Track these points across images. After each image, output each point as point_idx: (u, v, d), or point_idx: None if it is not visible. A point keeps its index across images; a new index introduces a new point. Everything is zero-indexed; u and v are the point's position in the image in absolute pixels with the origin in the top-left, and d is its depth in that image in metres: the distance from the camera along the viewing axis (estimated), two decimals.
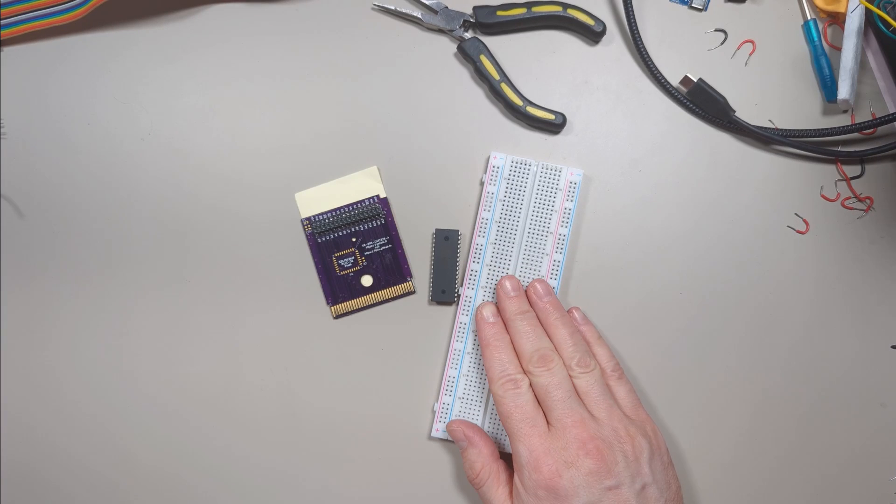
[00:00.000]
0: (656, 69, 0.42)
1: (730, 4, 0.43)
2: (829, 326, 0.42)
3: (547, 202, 0.41)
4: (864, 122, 0.41)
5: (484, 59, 0.42)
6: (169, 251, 0.42)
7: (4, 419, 0.42)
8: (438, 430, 0.41)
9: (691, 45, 0.43)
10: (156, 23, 0.43)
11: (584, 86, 0.43)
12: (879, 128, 0.42)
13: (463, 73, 0.43)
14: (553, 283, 0.41)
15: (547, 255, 0.41)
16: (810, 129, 0.42)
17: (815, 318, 0.42)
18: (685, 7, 0.43)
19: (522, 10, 0.42)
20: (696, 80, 0.41)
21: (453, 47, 0.43)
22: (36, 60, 0.43)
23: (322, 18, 0.43)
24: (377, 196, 0.42)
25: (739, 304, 0.42)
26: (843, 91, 0.41)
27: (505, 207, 0.41)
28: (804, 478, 0.42)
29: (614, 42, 0.43)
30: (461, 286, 0.42)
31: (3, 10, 0.42)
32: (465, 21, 0.43)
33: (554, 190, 0.41)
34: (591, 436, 0.35)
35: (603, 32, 0.42)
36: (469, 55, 0.42)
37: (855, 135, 0.42)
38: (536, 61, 0.43)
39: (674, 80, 0.42)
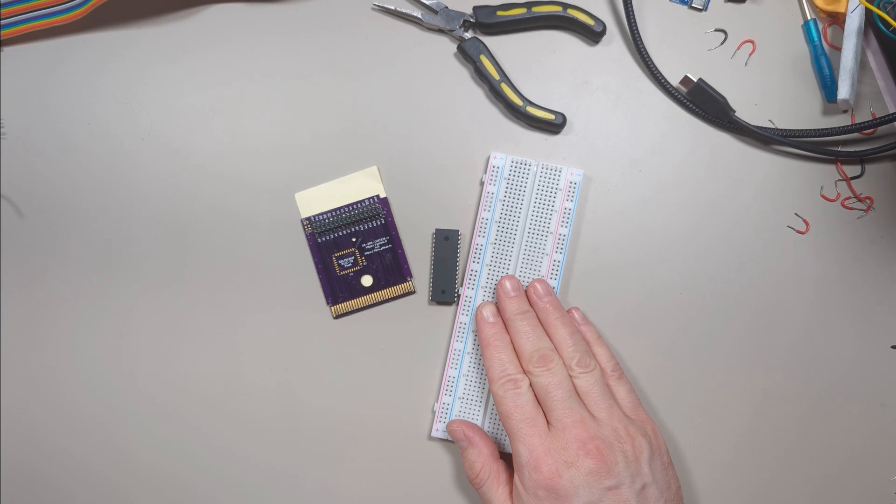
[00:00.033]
0: (656, 69, 0.42)
1: (730, 4, 0.43)
2: (829, 326, 0.42)
3: (547, 202, 0.41)
4: (864, 122, 0.41)
5: (484, 59, 0.42)
6: (169, 251, 0.42)
7: (4, 419, 0.42)
8: (438, 430, 0.41)
9: (691, 45, 0.43)
10: (156, 23, 0.43)
11: (584, 86, 0.43)
12: (879, 128, 0.42)
13: (463, 73, 0.43)
14: (553, 283, 0.41)
15: (547, 255, 0.41)
16: (810, 129, 0.42)
17: (815, 318, 0.42)
18: (685, 7, 0.43)
19: (522, 10, 0.42)
20: (696, 80, 0.41)
21: (453, 47, 0.43)
22: (36, 60, 0.43)
23: (322, 18, 0.43)
24: (377, 196, 0.42)
25: (739, 304, 0.42)
26: (843, 91, 0.41)
27: (505, 207, 0.41)
28: (804, 478, 0.42)
29: (614, 42, 0.43)
30: (461, 286, 0.42)
31: (3, 10, 0.42)
32: (465, 21, 0.43)
33: (554, 190, 0.41)
34: (591, 436, 0.35)
35: (603, 32, 0.42)
36: (469, 55, 0.42)
37: (855, 135, 0.42)
38: (536, 61, 0.43)
39: (674, 80, 0.42)
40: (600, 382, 0.37)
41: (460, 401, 0.41)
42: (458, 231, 0.42)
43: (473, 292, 0.41)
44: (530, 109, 0.42)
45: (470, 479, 0.39)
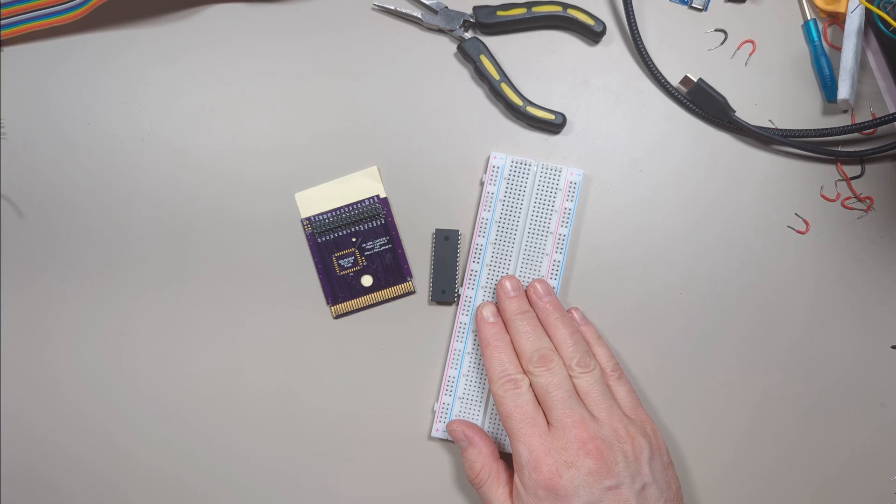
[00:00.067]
0: (656, 69, 0.42)
1: (730, 4, 0.43)
2: (829, 326, 0.42)
3: (547, 202, 0.41)
4: (864, 122, 0.41)
5: (484, 59, 0.42)
6: (169, 251, 0.42)
7: (4, 419, 0.42)
8: (438, 430, 0.41)
9: (691, 45, 0.43)
10: (156, 23, 0.43)
11: (584, 86, 0.43)
12: (879, 128, 0.42)
13: (463, 73, 0.43)
14: (553, 283, 0.41)
15: (547, 255, 0.41)
16: (810, 129, 0.42)
17: (815, 318, 0.42)
18: (685, 7, 0.43)
19: (522, 10, 0.42)
20: (696, 80, 0.41)
21: (453, 47, 0.43)
22: (36, 60, 0.43)
23: (322, 18, 0.43)
24: (377, 196, 0.42)
25: (739, 304, 0.42)
26: (843, 91, 0.41)
27: (505, 207, 0.41)
28: (804, 478, 0.42)
29: (614, 42, 0.43)
30: (461, 286, 0.42)
31: (3, 10, 0.42)
32: (465, 21, 0.43)
33: (554, 190, 0.41)
34: (591, 436, 0.35)
35: (603, 32, 0.42)
36: (469, 55, 0.42)
37: (855, 135, 0.42)
38: (536, 61, 0.43)
39: (674, 80, 0.42)
40: (600, 382, 0.37)
41: (460, 401, 0.41)
42: (458, 231, 0.42)
43: (473, 292, 0.41)
44: (530, 109, 0.42)
45: (470, 479, 0.39)
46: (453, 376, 0.41)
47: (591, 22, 0.42)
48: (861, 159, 0.43)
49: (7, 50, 0.43)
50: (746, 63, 0.43)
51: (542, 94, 0.43)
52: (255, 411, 0.42)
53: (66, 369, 0.42)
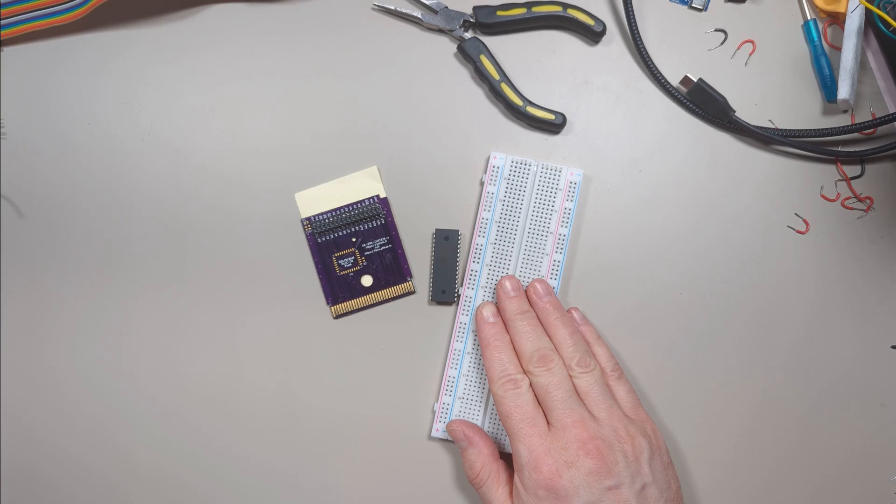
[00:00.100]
0: (656, 69, 0.42)
1: (730, 4, 0.43)
2: (829, 326, 0.42)
3: (547, 202, 0.41)
4: (864, 122, 0.41)
5: (484, 59, 0.42)
6: (169, 251, 0.42)
7: (4, 419, 0.42)
8: (438, 430, 0.41)
9: (691, 45, 0.43)
10: (156, 23, 0.43)
11: (584, 86, 0.43)
12: (879, 128, 0.42)
13: (463, 73, 0.43)
14: (553, 283, 0.41)
15: (547, 255, 0.41)
16: (810, 129, 0.42)
17: (815, 318, 0.42)
18: (685, 7, 0.43)
19: (522, 10, 0.42)
20: (696, 80, 0.41)
21: (453, 47, 0.43)
22: (36, 60, 0.43)
23: (322, 18, 0.43)
24: (377, 196, 0.42)
25: (739, 304, 0.42)
26: (843, 91, 0.41)
27: (505, 207, 0.41)
28: (804, 478, 0.42)
29: (614, 42, 0.43)
30: (461, 286, 0.42)
31: (3, 10, 0.42)
32: (465, 21, 0.43)
33: (554, 190, 0.41)
34: (591, 436, 0.35)
35: (603, 32, 0.42)
36: (469, 55, 0.42)
37: (855, 135, 0.42)
38: (536, 61, 0.43)
39: (674, 80, 0.42)
40: (600, 382, 0.37)
41: (460, 401, 0.41)
42: (458, 231, 0.42)
43: (473, 292, 0.41)
44: (530, 109, 0.42)
45: (470, 479, 0.39)
46: (453, 376, 0.41)
47: (591, 22, 0.42)
48: (861, 159, 0.43)
49: (7, 50, 0.43)
50: (746, 63, 0.43)
51: (542, 94, 0.43)
52: (255, 411, 0.42)
53: (66, 369, 0.42)
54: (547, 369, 0.37)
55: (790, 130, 0.42)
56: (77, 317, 0.42)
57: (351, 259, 0.42)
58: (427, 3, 0.43)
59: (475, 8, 0.42)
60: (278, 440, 0.42)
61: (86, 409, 0.42)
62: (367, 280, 0.42)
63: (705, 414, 0.42)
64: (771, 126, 0.43)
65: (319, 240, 0.42)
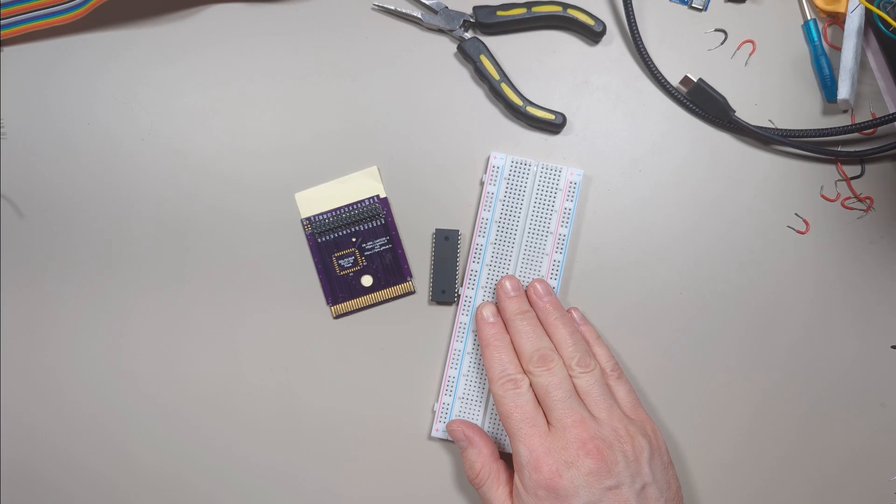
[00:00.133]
0: (656, 69, 0.42)
1: (730, 4, 0.43)
2: (829, 326, 0.42)
3: (547, 202, 0.41)
4: (864, 122, 0.41)
5: (484, 59, 0.42)
6: (169, 251, 0.42)
7: (4, 419, 0.42)
8: (438, 430, 0.41)
9: (691, 45, 0.43)
10: (156, 23, 0.43)
11: (584, 86, 0.43)
12: (879, 128, 0.42)
13: (463, 73, 0.43)
14: (553, 283, 0.41)
15: (547, 255, 0.41)
16: (810, 129, 0.42)
17: (815, 318, 0.42)
18: (685, 7, 0.43)
19: (522, 10, 0.42)
20: (696, 80, 0.41)
21: (453, 47, 0.43)
22: (36, 60, 0.43)
23: (322, 18, 0.43)
24: (377, 196, 0.42)
25: (739, 304, 0.42)
26: (843, 91, 0.41)
27: (505, 207, 0.41)
28: (804, 478, 0.42)
29: (614, 42, 0.43)
30: (461, 286, 0.42)
31: (3, 10, 0.42)
32: (465, 21, 0.43)
33: (554, 190, 0.41)
34: (591, 436, 0.35)
35: (603, 32, 0.42)
36: (469, 55, 0.42)
37: (855, 135, 0.42)
38: (536, 61, 0.43)
39: (674, 80, 0.42)
40: (600, 382, 0.37)
41: (460, 401, 0.41)
42: (458, 231, 0.42)
43: (473, 292, 0.41)
44: (530, 109, 0.42)
45: (470, 479, 0.39)
46: (453, 376, 0.41)
47: (591, 22, 0.42)
48: (861, 159, 0.43)
49: (7, 50, 0.43)
50: (746, 63, 0.43)
51: (542, 94, 0.43)
52: (255, 411, 0.42)
53: (66, 369, 0.42)
54: (547, 369, 0.37)
55: (790, 130, 0.42)
56: (77, 317, 0.42)
57: (351, 259, 0.42)
58: (427, 3, 0.43)
59: (475, 8, 0.42)
60: (278, 440, 0.42)
61: (86, 409, 0.42)
62: (367, 280, 0.42)
63: (705, 414, 0.42)
64: (771, 126, 0.43)
65: (319, 240, 0.42)
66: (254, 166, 0.43)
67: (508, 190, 0.41)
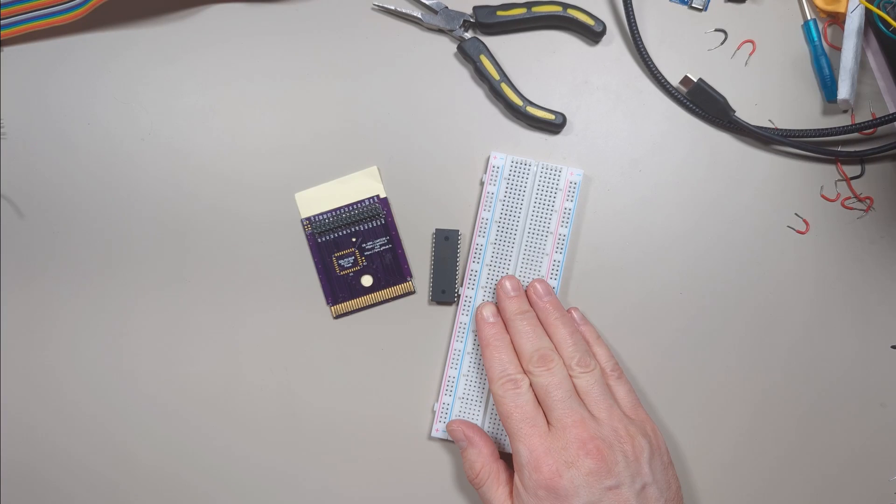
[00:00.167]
0: (656, 69, 0.42)
1: (730, 4, 0.43)
2: (829, 326, 0.42)
3: (547, 202, 0.41)
4: (864, 122, 0.41)
5: (484, 59, 0.42)
6: (169, 251, 0.42)
7: (4, 419, 0.42)
8: (438, 430, 0.41)
9: (691, 45, 0.43)
10: (156, 23, 0.43)
11: (584, 86, 0.43)
12: (879, 128, 0.42)
13: (463, 73, 0.43)
14: (553, 283, 0.41)
15: (547, 255, 0.41)
16: (810, 129, 0.42)
17: (815, 318, 0.42)
18: (685, 7, 0.43)
19: (522, 10, 0.42)
20: (696, 80, 0.41)
21: (453, 47, 0.43)
22: (36, 60, 0.43)
23: (322, 18, 0.43)
24: (377, 196, 0.42)
25: (739, 304, 0.42)
26: (843, 91, 0.41)
27: (505, 207, 0.41)
28: (804, 478, 0.42)
29: (614, 42, 0.43)
30: (461, 286, 0.42)
31: (3, 10, 0.42)
32: (465, 21, 0.43)
33: (554, 190, 0.41)
34: (591, 436, 0.35)
35: (603, 32, 0.42)
36: (469, 55, 0.42)
37: (855, 135, 0.42)
38: (536, 61, 0.43)
39: (674, 80, 0.42)
40: (600, 382, 0.37)
41: (460, 401, 0.41)
42: (458, 231, 0.42)
43: (473, 292, 0.41)
44: (530, 109, 0.42)
45: (470, 479, 0.39)
46: (453, 376, 0.41)
47: (591, 22, 0.42)
48: (861, 159, 0.43)
49: (7, 50, 0.43)
50: (746, 63, 0.43)
51: (542, 94, 0.43)
52: (255, 411, 0.42)
53: (66, 369, 0.42)
54: (547, 369, 0.37)
55: (790, 130, 0.42)
56: (77, 317, 0.42)
57: (351, 259, 0.42)
58: (427, 3, 0.43)
59: (475, 8, 0.42)
60: (278, 440, 0.42)
61: (86, 409, 0.42)
62: (367, 280, 0.42)
63: (705, 414, 0.42)
64: (771, 126, 0.43)
65: (319, 240, 0.42)
66: (254, 166, 0.43)
67: (508, 190, 0.41)
